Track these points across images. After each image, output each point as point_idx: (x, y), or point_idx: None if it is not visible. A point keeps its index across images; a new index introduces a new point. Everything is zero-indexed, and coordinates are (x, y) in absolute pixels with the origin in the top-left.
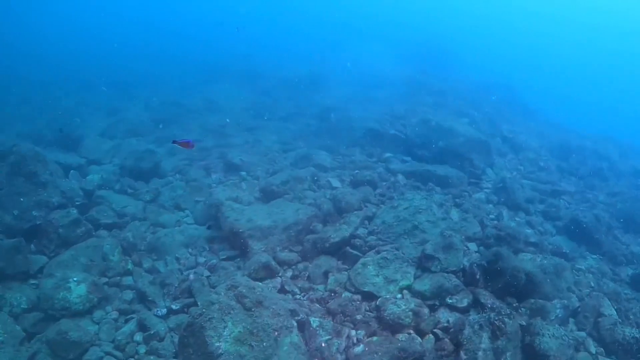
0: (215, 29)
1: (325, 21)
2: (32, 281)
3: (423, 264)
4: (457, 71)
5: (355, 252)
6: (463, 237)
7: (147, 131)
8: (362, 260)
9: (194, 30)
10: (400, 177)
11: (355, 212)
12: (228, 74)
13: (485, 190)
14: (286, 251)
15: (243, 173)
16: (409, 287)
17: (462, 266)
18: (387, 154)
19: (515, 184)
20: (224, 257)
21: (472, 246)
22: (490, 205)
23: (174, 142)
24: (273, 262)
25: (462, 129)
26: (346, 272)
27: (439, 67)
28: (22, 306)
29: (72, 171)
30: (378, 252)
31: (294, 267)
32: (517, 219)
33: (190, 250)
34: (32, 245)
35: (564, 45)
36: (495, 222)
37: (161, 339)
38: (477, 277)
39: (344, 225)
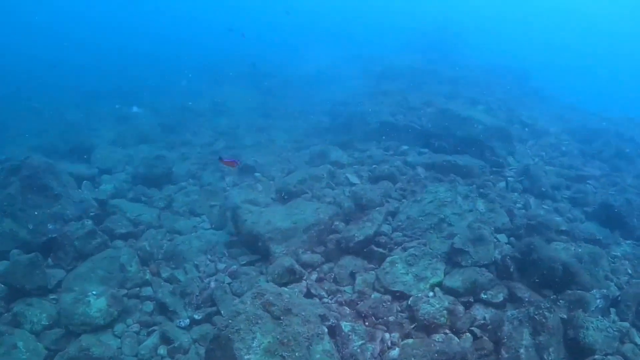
0: (219, 32)
1: (327, 15)
2: (52, 296)
3: (453, 259)
4: (467, 57)
5: (380, 250)
6: (492, 228)
7: (158, 137)
8: (389, 258)
9: (196, 34)
10: (420, 169)
11: (378, 208)
12: (233, 75)
13: (509, 178)
14: (309, 253)
15: (258, 174)
16: (440, 284)
17: (493, 259)
18: (404, 147)
19: (539, 171)
20: (244, 262)
21: (502, 238)
22: (515, 194)
23: (219, 159)
24: (297, 265)
25: (481, 116)
26: (373, 272)
27: (448, 54)
28: (42, 323)
29: (85, 182)
30: (405, 249)
31: (318, 269)
32: (544, 206)
33: (209, 256)
34: (49, 259)
35: (575, 27)
36: (523, 211)
37: (185, 351)
38: (511, 270)
39: (368, 223)
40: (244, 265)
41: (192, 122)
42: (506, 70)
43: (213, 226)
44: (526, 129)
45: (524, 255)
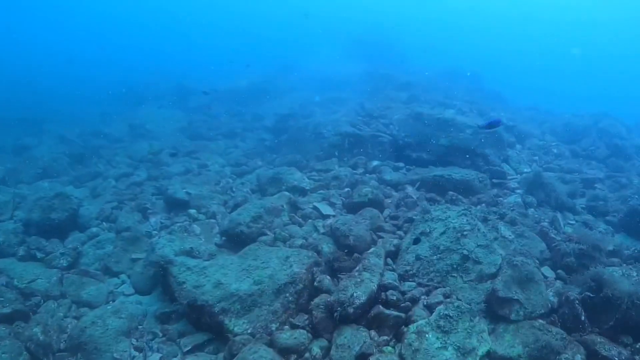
0: (136, 49)
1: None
2: None
3: (496, 311)
4: (410, 62)
5: (393, 312)
6: (537, 261)
7: (63, 170)
8: (413, 327)
9: (111, 52)
10: (410, 189)
11: (372, 249)
12: (154, 94)
13: (518, 191)
14: (287, 327)
15: (193, 211)
16: (491, 354)
17: (550, 305)
18: (374, 162)
19: (553, 180)
20: (189, 347)
21: (547, 271)
22: (532, 210)
23: None
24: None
25: (466, 119)
26: (392, 348)
27: (393, 60)
28: None
29: None
30: (429, 308)
31: (307, 355)
32: (570, 222)
33: (134, 340)
34: None
35: (506, 29)
36: (554, 231)
37: None
38: (582, 318)
39: (366, 273)
40: (189, 352)
41: (107, 149)
42: (457, 73)
43: (137, 290)
44: (510, 133)
45: (595, 293)
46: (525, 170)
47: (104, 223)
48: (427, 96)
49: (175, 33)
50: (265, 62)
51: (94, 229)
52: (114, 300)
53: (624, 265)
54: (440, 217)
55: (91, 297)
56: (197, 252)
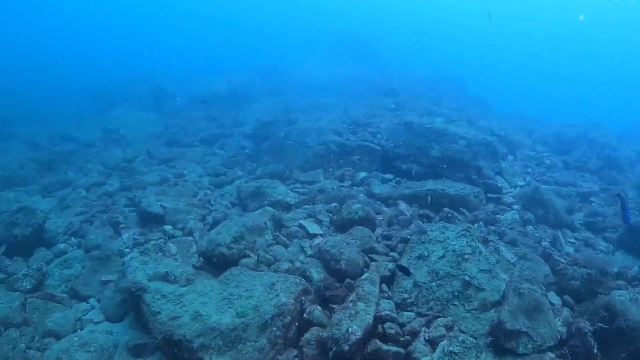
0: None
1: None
2: None
3: (502, 344)
4: (396, 67)
5: (392, 348)
6: (542, 286)
7: (30, 178)
8: None
9: (84, 55)
10: (403, 205)
11: (367, 275)
12: (130, 96)
13: (515, 207)
14: None
15: (168, 228)
16: None
17: (559, 337)
18: (362, 174)
19: (551, 195)
20: None
21: (553, 297)
22: (530, 227)
23: None
24: None
25: (460, 130)
26: None
27: (377, 65)
28: None
29: None
30: (431, 342)
31: None
32: (570, 240)
33: None
34: None
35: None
36: (555, 250)
37: None
38: (595, 351)
39: (360, 304)
40: None
41: (78, 155)
42: (442, 80)
43: (107, 317)
44: (502, 143)
45: (607, 323)
46: (520, 183)
47: (72, 238)
48: (414, 103)
49: (156, 33)
50: (247, 65)
51: (62, 245)
52: (82, 329)
53: (630, 287)
54: (438, 238)
55: (57, 326)
56: (173, 277)
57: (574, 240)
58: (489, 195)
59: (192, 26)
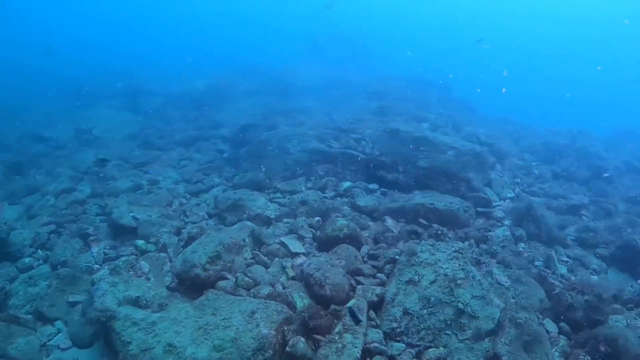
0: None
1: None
2: None
3: None
4: (379, 68)
5: None
6: (539, 314)
7: None
8: None
9: (57, 50)
10: (390, 222)
11: (354, 300)
12: (107, 94)
13: (505, 222)
14: None
15: (140, 242)
16: None
17: None
18: (346, 183)
19: (544, 210)
20: None
21: (549, 324)
22: (522, 245)
23: None
24: None
25: (448, 139)
26: None
27: (361, 66)
28: None
29: None
30: None
31: None
32: (563, 257)
33: None
34: None
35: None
36: (550, 273)
37: None
38: None
39: (347, 335)
40: None
41: (48, 158)
42: (427, 83)
43: (75, 342)
44: (490, 152)
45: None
46: (509, 195)
47: (39, 251)
48: (399, 107)
49: (133, 30)
50: (225, 63)
51: (27, 260)
52: (47, 356)
53: (625, 311)
54: (428, 260)
55: (20, 353)
56: (144, 301)
57: (567, 259)
58: (478, 209)
59: (176, 21)
